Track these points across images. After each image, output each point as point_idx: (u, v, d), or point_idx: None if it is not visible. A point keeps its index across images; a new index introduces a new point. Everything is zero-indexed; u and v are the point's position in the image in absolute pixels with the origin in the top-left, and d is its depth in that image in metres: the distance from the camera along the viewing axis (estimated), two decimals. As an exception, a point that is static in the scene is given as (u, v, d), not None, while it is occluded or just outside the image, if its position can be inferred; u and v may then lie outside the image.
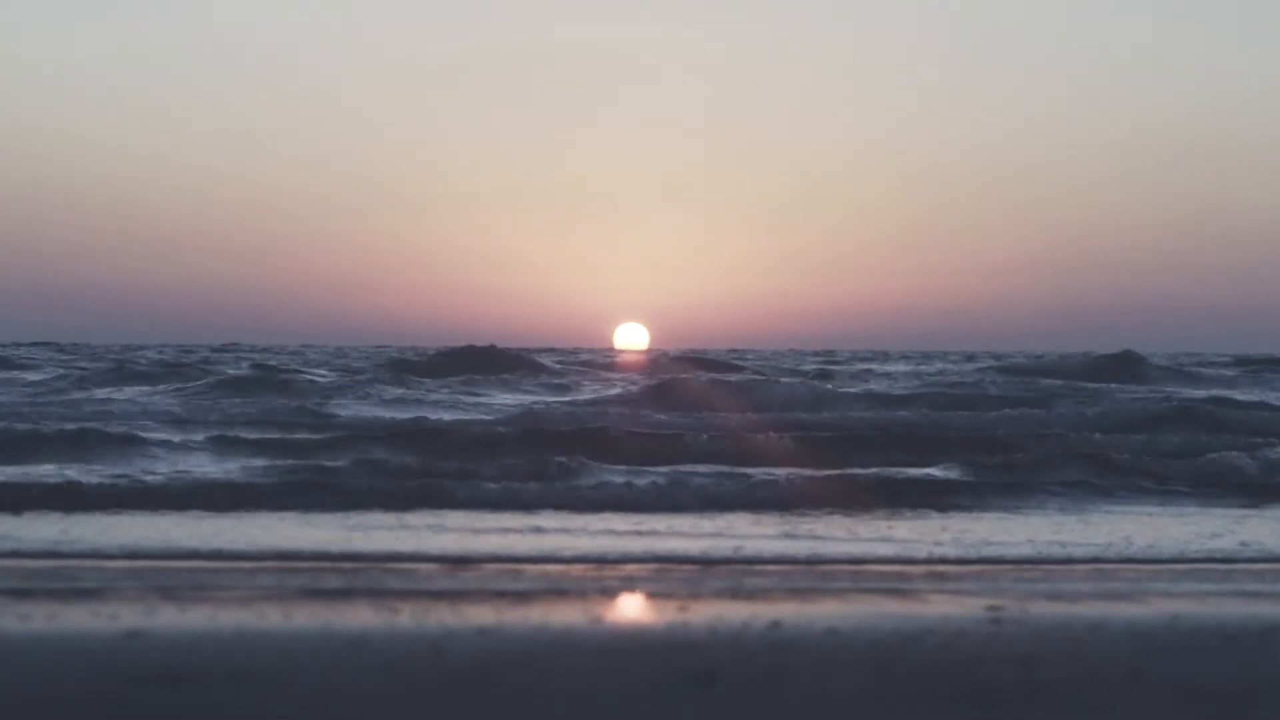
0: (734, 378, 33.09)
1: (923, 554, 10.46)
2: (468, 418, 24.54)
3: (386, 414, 25.06)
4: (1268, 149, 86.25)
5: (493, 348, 41.18)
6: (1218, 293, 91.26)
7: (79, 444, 17.03)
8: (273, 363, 42.03)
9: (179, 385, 30.23)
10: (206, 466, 15.78)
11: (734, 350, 72.97)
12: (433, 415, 24.68)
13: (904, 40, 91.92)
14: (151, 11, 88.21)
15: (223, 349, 72.04)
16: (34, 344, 72.73)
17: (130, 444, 17.30)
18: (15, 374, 36.01)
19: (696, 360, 46.06)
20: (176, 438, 18.51)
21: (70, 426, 18.49)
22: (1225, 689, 5.58)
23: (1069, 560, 10.45)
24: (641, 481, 14.14)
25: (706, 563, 9.91)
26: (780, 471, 15.40)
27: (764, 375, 36.94)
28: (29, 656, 5.95)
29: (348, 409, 25.91)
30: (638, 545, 10.77)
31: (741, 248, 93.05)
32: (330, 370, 40.12)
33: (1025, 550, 10.86)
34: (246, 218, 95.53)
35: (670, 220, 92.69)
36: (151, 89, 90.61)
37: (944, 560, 10.22)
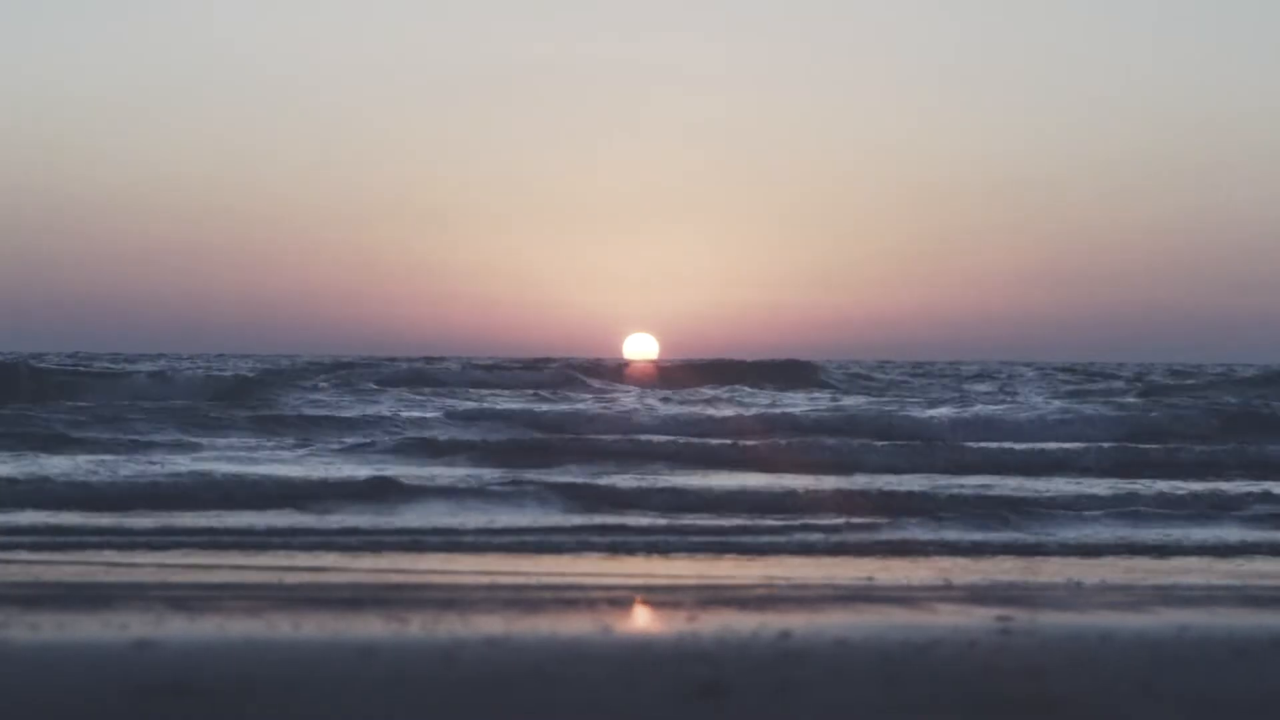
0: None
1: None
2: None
3: None
4: (1272, 160, 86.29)
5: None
6: (1224, 304, 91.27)
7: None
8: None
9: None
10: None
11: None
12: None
13: (912, 54, 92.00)
14: (161, 20, 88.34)
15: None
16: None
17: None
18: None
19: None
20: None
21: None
22: (1235, 699, 5.57)
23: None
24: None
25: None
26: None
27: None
28: (37, 666, 5.95)
29: None
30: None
31: (752, 258, 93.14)
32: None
33: None
34: (256, 227, 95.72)
35: (681, 230, 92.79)
36: (162, 98, 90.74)
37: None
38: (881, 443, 23.42)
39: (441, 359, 67.55)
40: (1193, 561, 11.78)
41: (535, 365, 56.46)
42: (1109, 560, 11.81)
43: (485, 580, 9.61)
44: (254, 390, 35.19)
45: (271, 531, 12.79)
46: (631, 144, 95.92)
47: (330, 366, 52.30)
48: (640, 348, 69.30)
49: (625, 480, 17.55)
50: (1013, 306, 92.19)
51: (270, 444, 22.50)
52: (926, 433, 26.92)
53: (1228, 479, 18.93)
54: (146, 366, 47.91)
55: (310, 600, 8.23)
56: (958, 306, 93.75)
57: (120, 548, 11.60)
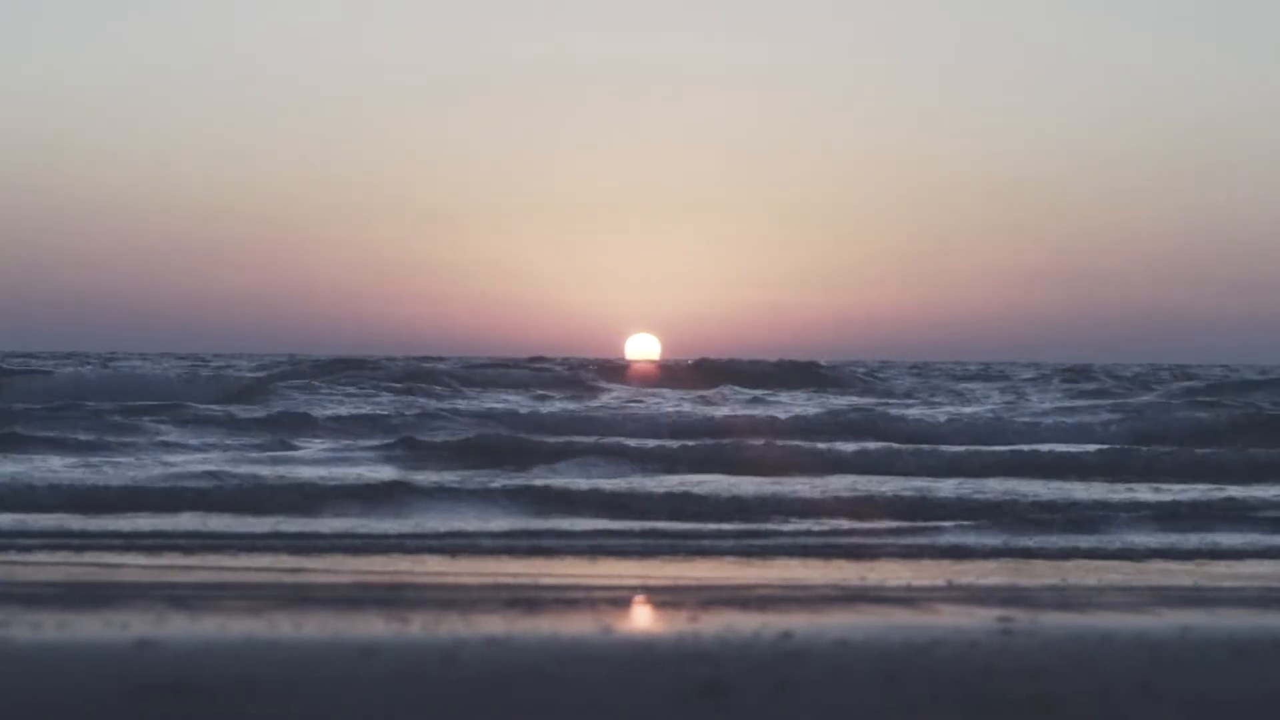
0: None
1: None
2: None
3: None
4: (1271, 161, 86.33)
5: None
6: (1224, 304, 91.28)
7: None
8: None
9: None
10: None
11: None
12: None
13: (912, 54, 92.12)
14: (161, 20, 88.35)
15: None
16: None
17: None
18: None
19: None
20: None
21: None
22: (1236, 701, 5.58)
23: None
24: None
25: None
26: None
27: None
28: (38, 665, 5.95)
29: None
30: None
31: (752, 258, 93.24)
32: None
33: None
34: (256, 227, 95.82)
35: (681, 230, 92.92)
36: (162, 98, 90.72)
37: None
38: (881, 445, 23.38)
39: (439, 358, 67.59)
40: (1195, 564, 11.77)
41: (530, 365, 56.49)
42: (1110, 562, 11.81)
43: (486, 580, 9.61)
44: (252, 390, 35.16)
45: (269, 535, 12.73)
46: (631, 144, 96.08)
47: (326, 365, 52.38)
48: (642, 348, 69.32)
49: (617, 484, 17.44)
50: (1013, 306, 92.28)
51: (266, 444, 22.43)
52: (925, 434, 26.90)
53: (1230, 482, 18.90)
54: (141, 366, 47.91)
55: (311, 600, 8.23)
56: (958, 306, 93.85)
57: (106, 549, 11.54)
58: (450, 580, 9.63)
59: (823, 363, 55.10)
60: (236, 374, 42.19)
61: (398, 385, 39.80)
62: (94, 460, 18.96)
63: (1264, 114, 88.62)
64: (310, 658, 6.16)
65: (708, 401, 36.87)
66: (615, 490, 16.33)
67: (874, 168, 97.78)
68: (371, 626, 6.95)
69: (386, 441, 22.59)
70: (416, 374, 45.22)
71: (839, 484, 17.60)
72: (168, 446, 21.58)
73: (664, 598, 8.66)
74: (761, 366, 51.42)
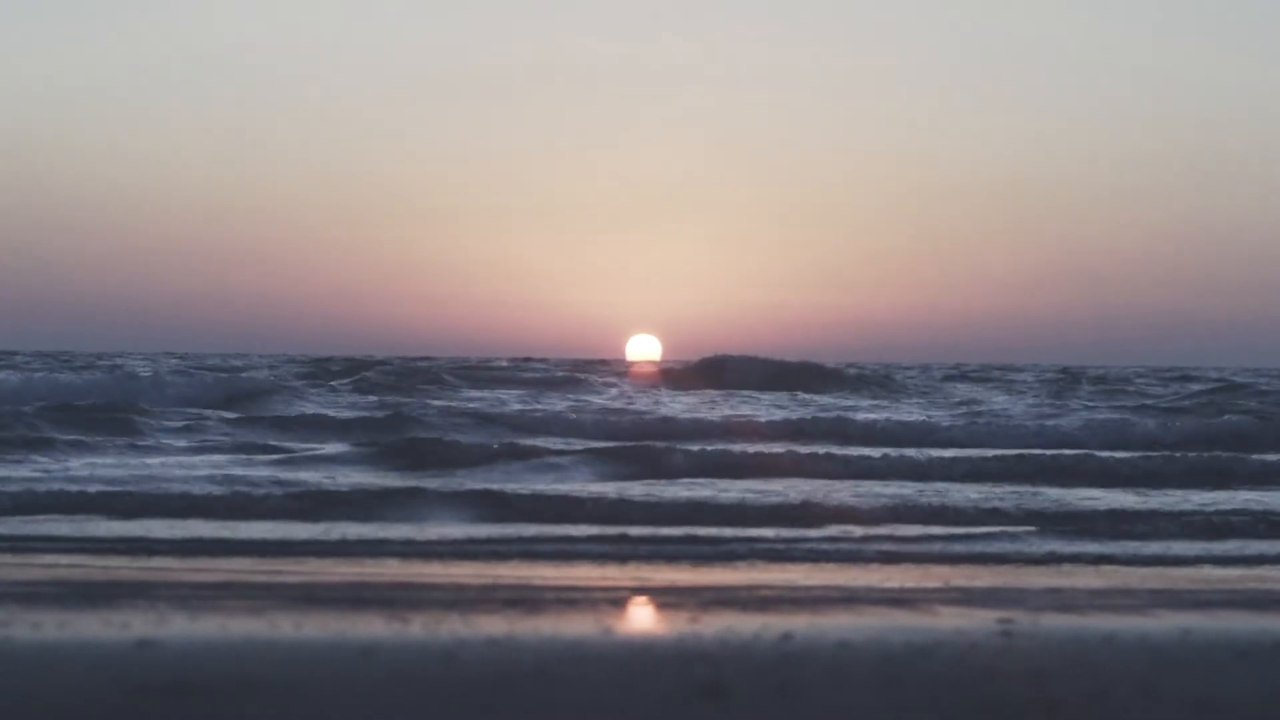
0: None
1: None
2: None
3: None
4: (1272, 162, 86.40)
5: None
6: (1226, 306, 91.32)
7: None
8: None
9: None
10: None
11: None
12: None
13: (914, 55, 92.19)
14: (162, 20, 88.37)
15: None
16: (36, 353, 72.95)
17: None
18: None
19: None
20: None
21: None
22: (1236, 701, 5.58)
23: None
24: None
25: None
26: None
27: None
28: (38, 665, 5.95)
29: None
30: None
31: (752, 258, 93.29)
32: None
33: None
34: (256, 227, 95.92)
35: (681, 230, 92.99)
36: (162, 97, 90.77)
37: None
38: (872, 447, 23.35)
39: (432, 359, 67.64)
40: (1195, 567, 11.77)
41: (522, 365, 56.55)
42: (1110, 565, 11.80)
43: (486, 581, 9.61)
44: (252, 391, 35.06)
45: (265, 540, 12.66)
46: (631, 144, 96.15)
47: (322, 365, 52.43)
48: (642, 348, 69.30)
49: (594, 488, 17.29)
50: (1013, 307, 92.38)
51: (256, 446, 22.28)
52: (924, 437, 26.89)
53: (1227, 486, 18.88)
54: (136, 366, 47.94)
55: (311, 600, 8.23)
56: (958, 307, 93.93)
57: (101, 552, 11.47)
58: (450, 581, 9.63)
59: (821, 363, 54.99)
60: (239, 375, 42.05)
61: (389, 386, 39.76)
62: (80, 461, 18.92)
63: (1265, 115, 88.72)
64: (311, 658, 6.16)
65: (697, 402, 36.84)
66: (592, 494, 16.21)
67: (874, 168, 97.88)
68: (372, 627, 6.96)
69: (375, 443, 22.47)
70: (410, 375, 45.25)
71: (831, 487, 17.58)
72: (143, 449, 21.44)
73: (664, 599, 8.66)
74: (759, 366, 51.34)
